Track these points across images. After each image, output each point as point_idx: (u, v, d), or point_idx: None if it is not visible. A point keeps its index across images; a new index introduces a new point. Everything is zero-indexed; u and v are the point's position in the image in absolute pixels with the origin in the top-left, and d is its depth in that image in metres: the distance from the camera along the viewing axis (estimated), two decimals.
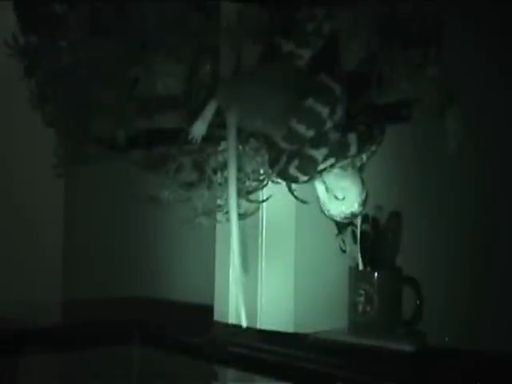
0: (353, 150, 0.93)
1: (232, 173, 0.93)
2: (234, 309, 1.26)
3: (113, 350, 1.25)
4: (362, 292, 1.11)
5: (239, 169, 1.04)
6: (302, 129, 0.88)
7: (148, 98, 1.02)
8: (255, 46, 0.96)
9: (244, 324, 0.96)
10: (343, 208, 0.96)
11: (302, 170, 0.91)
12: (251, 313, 1.23)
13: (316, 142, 0.91)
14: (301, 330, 1.20)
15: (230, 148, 0.92)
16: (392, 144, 1.11)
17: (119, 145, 1.01)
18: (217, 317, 1.29)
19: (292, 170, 0.91)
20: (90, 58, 1.01)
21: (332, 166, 0.93)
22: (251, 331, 1.22)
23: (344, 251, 1.14)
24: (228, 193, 0.94)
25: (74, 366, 1.25)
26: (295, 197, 1.08)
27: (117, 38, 1.00)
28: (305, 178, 0.93)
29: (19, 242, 1.80)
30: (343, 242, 1.14)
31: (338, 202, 0.97)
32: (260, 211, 1.19)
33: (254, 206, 1.08)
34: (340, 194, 0.96)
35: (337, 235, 1.14)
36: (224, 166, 1.05)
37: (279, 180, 1.05)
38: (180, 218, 1.03)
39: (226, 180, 1.05)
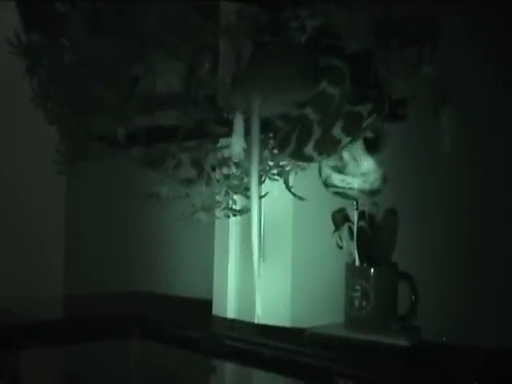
0: (387, 106, 0.94)
1: (254, 163, 0.90)
2: (232, 303, 1.27)
3: (113, 344, 1.26)
4: (359, 288, 1.10)
5: (237, 165, 1.05)
6: (338, 63, 0.89)
7: (148, 96, 1.03)
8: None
9: (258, 315, 0.94)
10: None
11: (347, 129, 0.91)
12: (249, 308, 1.24)
13: (360, 99, 0.91)
14: (298, 325, 1.20)
15: (253, 140, 0.89)
16: (387, 142, 1.10)
17: (120, 142, 1.02)
18: (215, 311, 1.29)
19: (336, 132, 0.90)
20: (91, 57, 1.02)
21: (373, 123, 0.93)
22: (249, 326, 1.23)
23: (341, 247, 1.14)
24: (251, 188, 0.92)
25: (75, 360, 1.25)
26: (293, 193, 1.09)
27: (117, 37, 1.00)
28: (348, 140, 0.92)
29: (21, 238, 1.82)
30: (340, 238, 1.13)
31: (355, 173, 0.99)
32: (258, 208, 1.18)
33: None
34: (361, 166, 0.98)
35: (334, 232, 1.14)
36: (222, 163, 1.04)
37: (278, 178, 1.05)
38: (179, 214, 1.03)
39: (225, 177, 1.07)
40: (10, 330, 1.20)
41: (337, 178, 1.00)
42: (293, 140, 0.92)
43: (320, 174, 1.02)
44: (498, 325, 1.15)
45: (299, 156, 0.94)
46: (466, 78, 1.13)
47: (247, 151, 0.92)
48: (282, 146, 0.94)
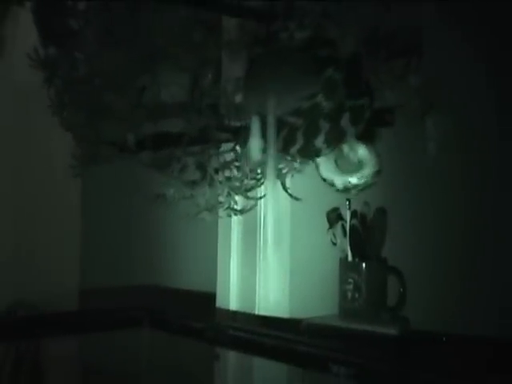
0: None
1: (271, 163, 0.93)
2: (234, 296, 1.28)
3: (125, 333, 1.27)
4: (351, 281, 1.12)
5: (238, 168, 1.05)
6: (336, 53, 0.92)
7: (155, 105, 1.03)
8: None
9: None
10: (352, 178, 1.00)
11: (353, 121, 0.93)
12: (251, 300, 1.26)
13: (361, 94, 0.94)
14: (296, 316, 1.21)
15: (269, 138, 0.92)
16: (377, 147, 1.11)
17: (129, 147, 1.02)
18: (219, 303, 1.30)
19: (344, 123, 0.93)
20: (102, 69, 1.02)
21: (369, 116, 0.96)
22: (251, 317, 1.24)
23: (335, 244, 1.15)
24: (267, 180, 0.97)
25: (91, 348, 1.26)
26: (290, 194, 1.09)
27: (126, 51, 1.01)
28: (352, 131, 0.94)
29: (41, 236, 1.78)
30: (334, 235, 1.15)
31: (346, 172, 1.00)
32: (258, 207, 1.20)
33: (251, 202, 1.09)
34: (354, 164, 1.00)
35: (328, 229, 1.15)
36: (224, 166, 1.05)
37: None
38: (185, 213, 1.04)
39: (227, 179, 1.06)
40: (31, 321, 1.22)
41: (355, 179, 1.01)
42: (299, 137, 0.93)
43: (335, 186, 1.02)
44: (487, 318, 1.14)
45: (308, 151, 0.95)
46: (453, 79, 1.12)
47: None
48: (287, 145, 0.95)
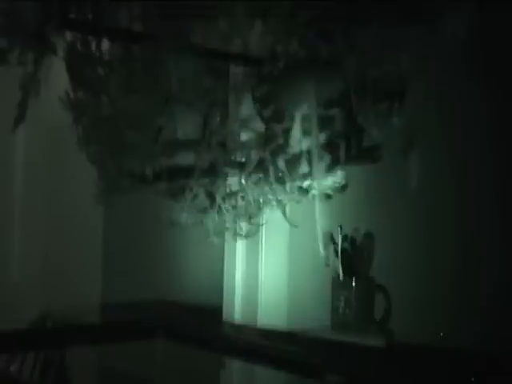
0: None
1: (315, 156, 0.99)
2: (239, 310, 1.31)
3: (141, 344, 1.31)
4: (342, 297, 1.16)
5: (243, 198, 1.11)
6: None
7: (170, 142, 1.10)
8: None
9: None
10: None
11: (356, 146, 1.02)
12: (252, 314, 1.29)
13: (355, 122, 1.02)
14: (293, 328, 1.25)
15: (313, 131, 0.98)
16: (365, 180, 1.19)
17: (147, 179, 1.08)
18: (225, 317, 1.34)
19: (353, 142, 1.02)
20: (125, 111, 1.09)
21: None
22: (253, 329, 1.28)
23: (328, 265, 1.20)
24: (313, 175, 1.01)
25: (110, 357, 1.29)
26: (288, 222, 1.16)
27: (146, 95, 1.07)
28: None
29: (67, 257, 1.85)
30: (327, 257, 1.20)
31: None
32: (260, 232, 1.25)
33: (254, 228, 1.15)
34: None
35: (322, 251, 1.19)
36: (231, 196, 1.11)
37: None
38: (195, 237, 1.12)
39: (233, 207, 1.11)
40: (57, 332, 1.27)
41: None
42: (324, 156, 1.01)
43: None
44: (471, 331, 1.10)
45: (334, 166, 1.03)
46: (438, 79, 1.11)
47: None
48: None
